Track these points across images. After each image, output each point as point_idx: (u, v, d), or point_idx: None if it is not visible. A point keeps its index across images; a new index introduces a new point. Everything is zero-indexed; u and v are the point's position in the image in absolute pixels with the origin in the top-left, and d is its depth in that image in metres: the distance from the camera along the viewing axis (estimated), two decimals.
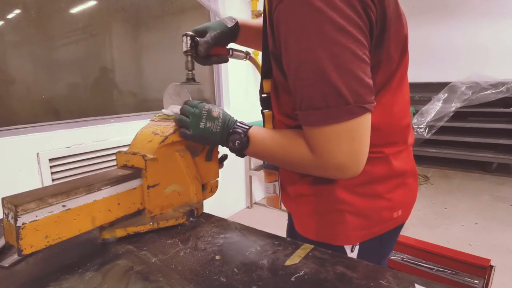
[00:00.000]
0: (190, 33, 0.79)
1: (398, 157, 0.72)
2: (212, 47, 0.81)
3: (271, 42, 0.63)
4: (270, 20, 0.61)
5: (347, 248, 0.72)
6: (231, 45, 0.90)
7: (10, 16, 1.65)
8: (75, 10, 1.89)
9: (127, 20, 2.18)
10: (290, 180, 0.78)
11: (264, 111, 0.75)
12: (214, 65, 2.75)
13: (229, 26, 0.83)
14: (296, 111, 0.60)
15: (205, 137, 0.70)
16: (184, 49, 0.79)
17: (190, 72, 0.81)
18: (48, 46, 1.79)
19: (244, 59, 0.95)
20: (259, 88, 0.74)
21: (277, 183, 0.81)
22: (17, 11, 1.66)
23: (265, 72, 0.71)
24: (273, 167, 0.82)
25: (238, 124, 0.70)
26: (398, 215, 0.73)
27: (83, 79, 1.97)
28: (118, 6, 2.09)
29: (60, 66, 1.84)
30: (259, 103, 0.75)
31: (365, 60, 0.56)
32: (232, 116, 0.72)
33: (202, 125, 0.69)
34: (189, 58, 0.80)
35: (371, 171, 0.68)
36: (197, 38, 0.79)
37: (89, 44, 1.98)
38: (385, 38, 0.59)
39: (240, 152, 0.70)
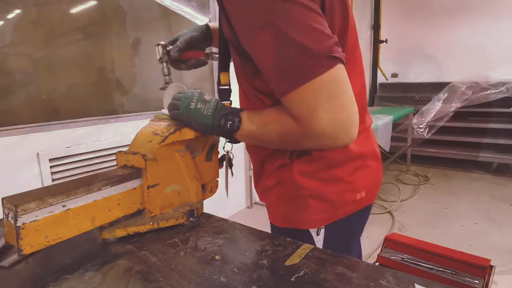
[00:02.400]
0: (162, 42, 0.85)
1: (355, 141, 0.73)
2: (184, 51, 0.85)
3: (227, 27, 0.63)
4: (222, 5, 0.61)
5: (313, 232, 0.74)
6: (214, 50, 0.92)
7: (10, 16, 1.65)
8: (75, 10, 1.89)
9: (127, 20, 2.18)
10: (259, 173, 0.82)
11: (222, 102, 0.76)
12: (213, 65, 2.73)
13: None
14: (271, 86, 0.59)
15: (196, 118, 0.68)
16: (158, 57, 0.85)
17: (167, 77, 0.85)
18: (48, 46, 1.79)
19: None
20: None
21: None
22: (17, 11, 1.66)
23: (222, 65, 0.73)
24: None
25: (229, 107, 0.71)
26: (362, 197, 0.75)
27: (83, 79, 1.96)
28: (118, 6, 2.09)
29: (60, 66, 1.84)
30: (217, 94, 0.77)
31: (320, 14, 0.55)
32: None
33: (193, 105, 0.69)
34: (164, 65, 0.85)
35: (329, 156, 0.71)
36: (169, 46, 0.85)
37: (89, 44, 1.98)
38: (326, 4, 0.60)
39: (231, 135, 0.69)
